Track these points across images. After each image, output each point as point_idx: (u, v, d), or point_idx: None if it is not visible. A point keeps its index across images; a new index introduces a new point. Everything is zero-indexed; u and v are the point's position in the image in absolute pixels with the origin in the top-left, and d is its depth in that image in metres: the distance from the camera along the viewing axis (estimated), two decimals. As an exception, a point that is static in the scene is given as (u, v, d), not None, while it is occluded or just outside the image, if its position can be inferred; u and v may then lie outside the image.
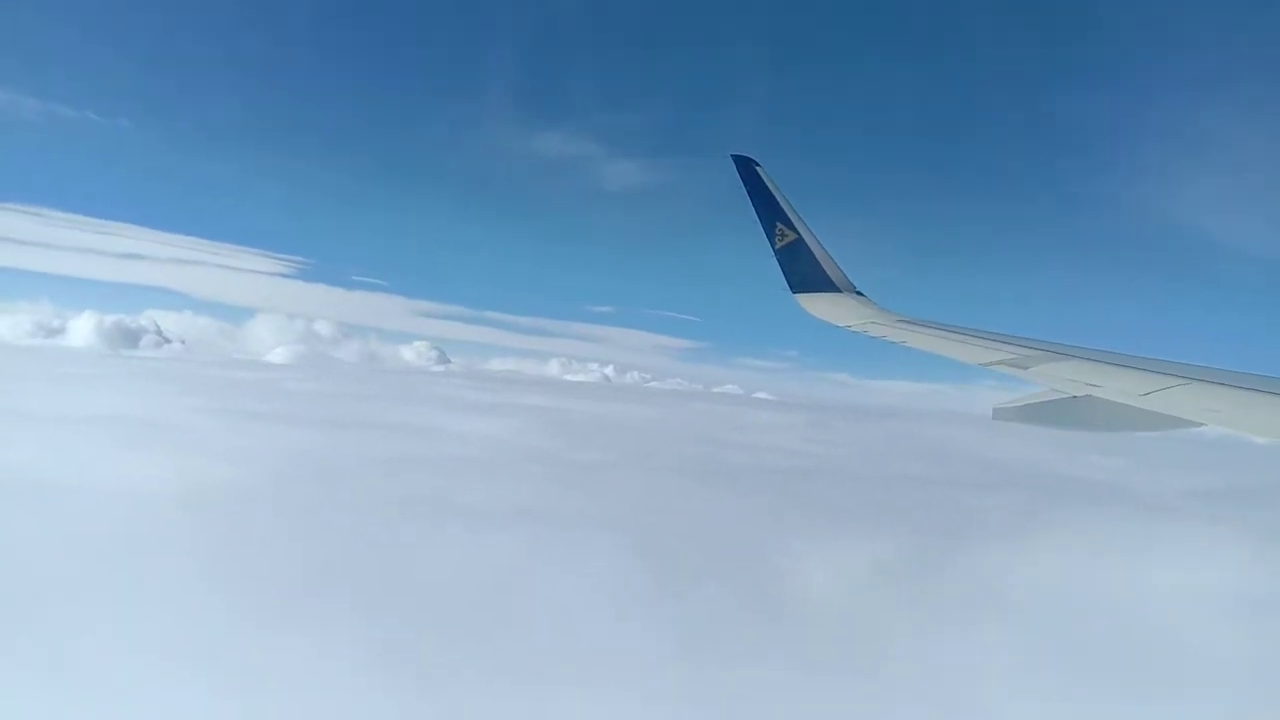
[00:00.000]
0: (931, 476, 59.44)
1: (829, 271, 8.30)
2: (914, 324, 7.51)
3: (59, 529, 25.64)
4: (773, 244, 8.30)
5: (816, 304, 8.18)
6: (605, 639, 21.89)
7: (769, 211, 8.25)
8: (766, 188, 8.27)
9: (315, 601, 22.30)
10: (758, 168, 8.32)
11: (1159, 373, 5.55)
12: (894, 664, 21.91)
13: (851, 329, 7.64)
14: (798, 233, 8.21)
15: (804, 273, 8.28)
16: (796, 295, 8.32)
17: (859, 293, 8.33)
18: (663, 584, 26.71)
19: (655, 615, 23.90)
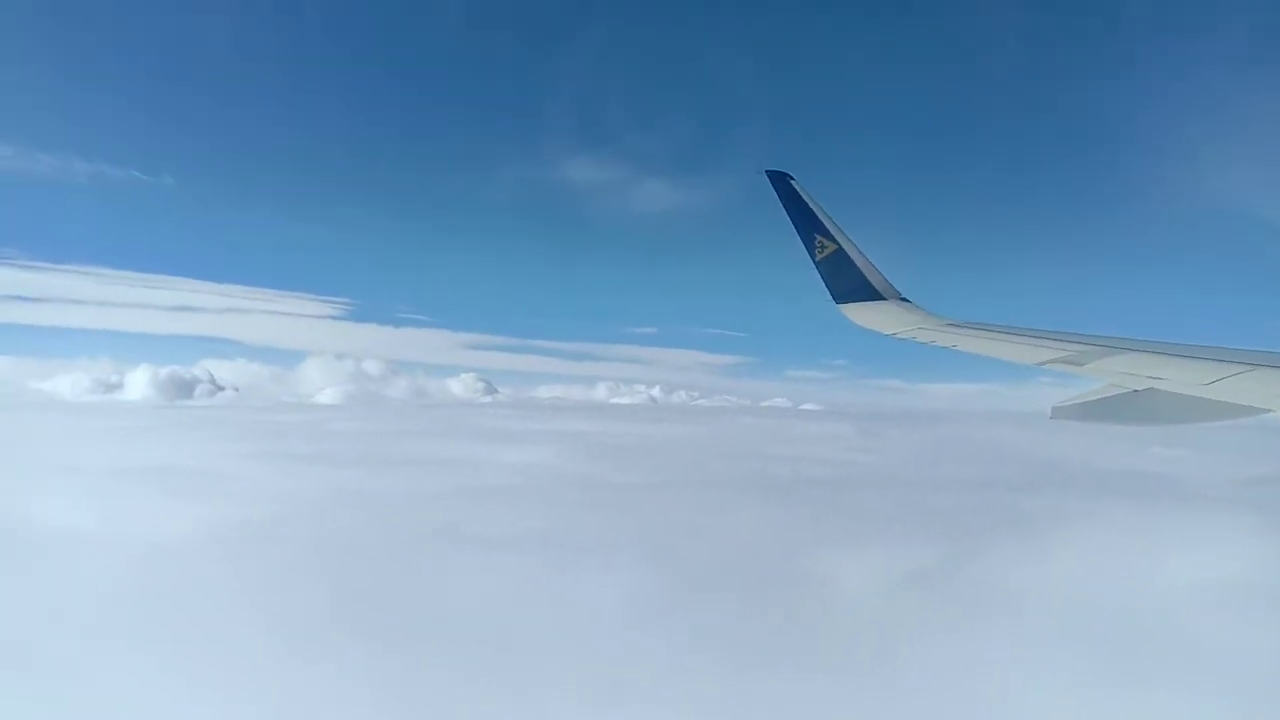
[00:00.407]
0: (977, 478, 58.54)
1: (872, 280, 8.25)
2: (963, 327, 7.44)
3: (93, 577, 26.61)
4: (813, 256, 8.28)
5: (862, 313, 8.13)
6: (628, 655, 22.04)
7: (807, 224, 8.25)
8: (803, 200, 8.27)
9: (350, 633, 22.79)
10: (792, 181, 8.34)
11: (1221, 360, 5.45)
12: (910, 664, 21.91)
13: (899, 336, 7.58)
14: (837, 243, 8.20)
15: (847, 283, 8.25)
16: (840, 306, 8.29)
17: (904, 299, 8.27)
18: (697, 599, 26.85)
19: (685, 628, 24.04)
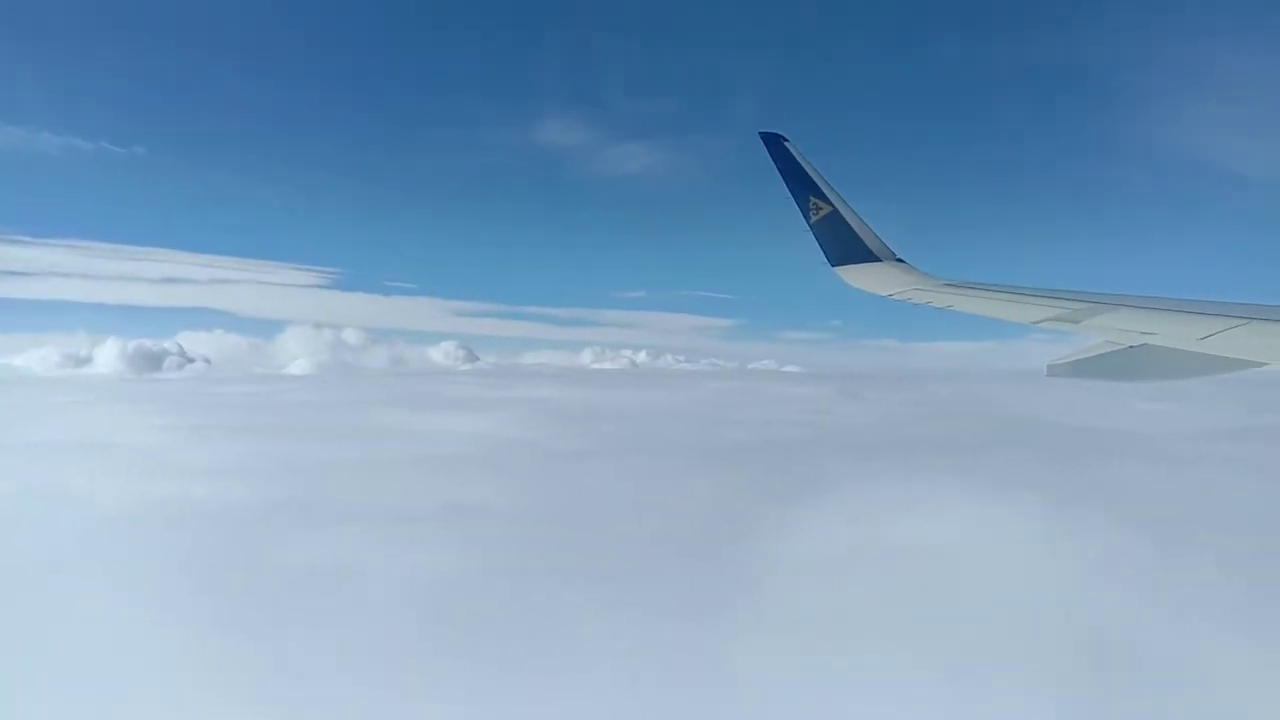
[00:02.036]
0: (935, 438, 59.50)
1: (867, 241, 8.32)
2: (958, 286, 7.55)
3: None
4: (808, 219, 8.32)
5: (857, 275, 8.21)
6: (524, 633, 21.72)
7: (801, 186, 8.27)
8: (797, 163, 8.29)
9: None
10: (787, 143, 8.34)
11: (1216, 315, 5.59)
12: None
13: (894, 297, 7.68)
14: (832, 205, 8.24)
15: (842, 245, 8.31)
16: (836, 268, 8.37)
17: (899, 259, 8.37)
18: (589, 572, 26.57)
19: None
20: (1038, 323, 6.71)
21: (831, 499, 35.84)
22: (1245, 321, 5.40)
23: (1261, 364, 5.21)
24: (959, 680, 19.17)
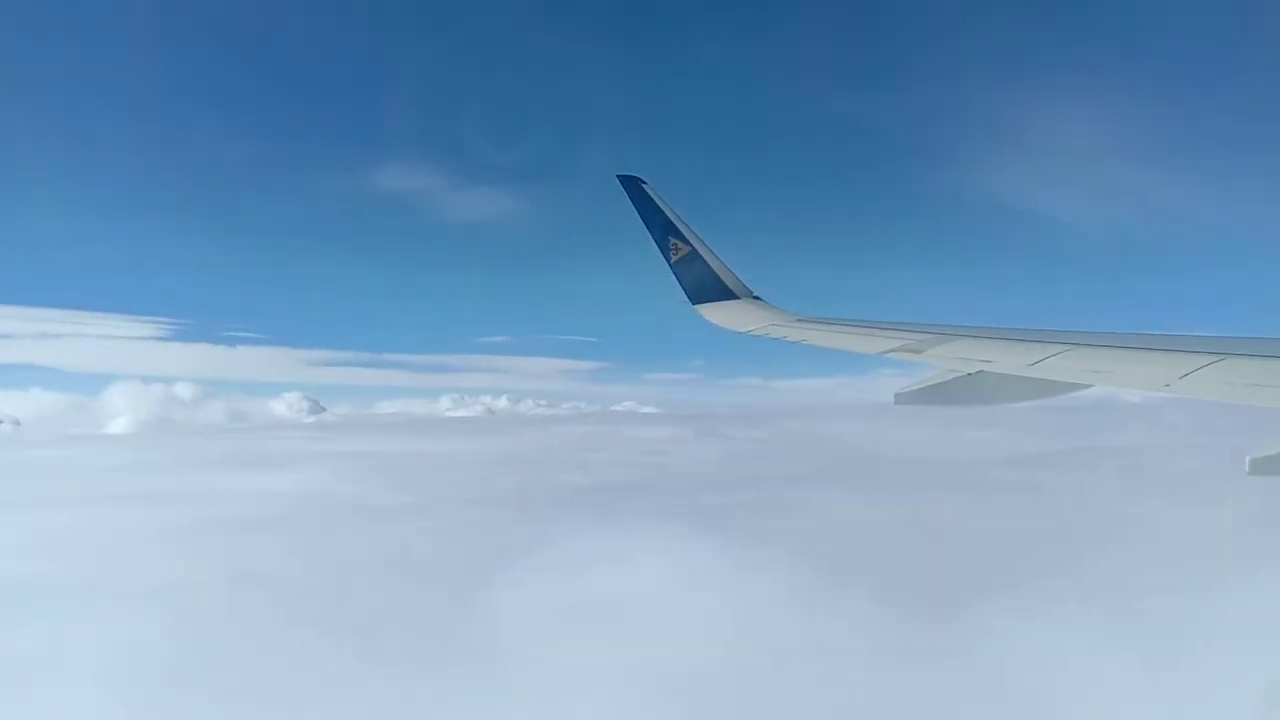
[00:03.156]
0: (766, 474, 62.19)
1: (725, 280, 8.57)
2: (811, 322, 7.89)
3: None
4: (668, 258, 8.49)
5: (717, 313, 8.43)
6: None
7: (661, 227, 8.45)
8: (655, 204, 8.46)
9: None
10: (645, 185, 8.51)
11: (1043, 343, 6.12)
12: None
13: (753, 333, 7.93)
14: (691, 245, 8.45)
15: (701, 283, 8.52)
16: (696, 306, 8.55)
17: (756, 296, 8.66)
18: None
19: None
20: (884, 353, 7.12)
21: (582, 544, 36.95)
22: (1069, 348, 5.94)
23: (1085, 386, 5.73)
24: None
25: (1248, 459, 3.57)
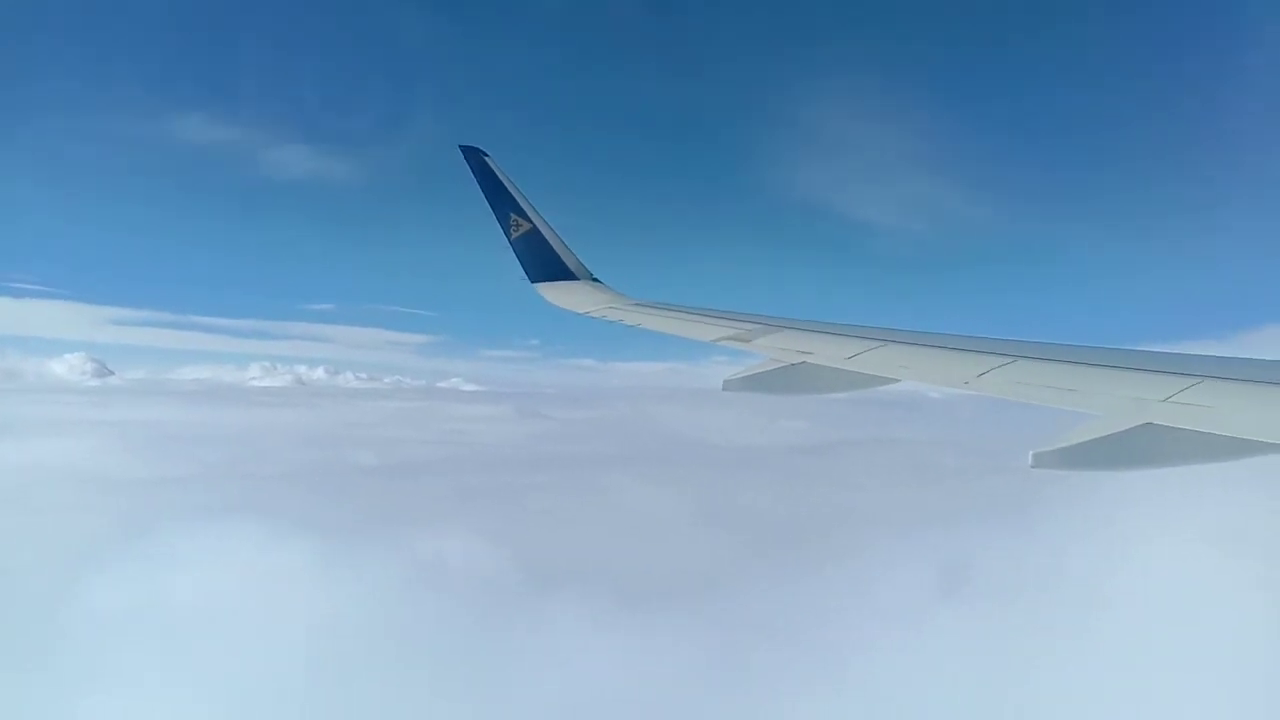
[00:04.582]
0: (561, 456, 63.49)
1: (565, 260, 8.53)
2: (649, 307, 8.03)
3: None
4: (508, 235, 8.35)
5: (555, 292, 8.39)
6: None
7: (502, 202, 8.28)
8: (498, 178, 8.28)
9: None
10: (487, 158, 8.30)
11: (861, 337, 6.56)
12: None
13: (590, 315, 7.97)
14: (532, 223, 8.34)
15: (541, 262, 8.44)
16: (535, 285, 8.47)
17: (595, 279, 8.69)
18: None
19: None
20: (716, 341, 7.38)
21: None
22: (883, 344, 6.39)
23: (895, 380, 6.19)
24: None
25: (1030, 453, 3.97)
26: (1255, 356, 4.53)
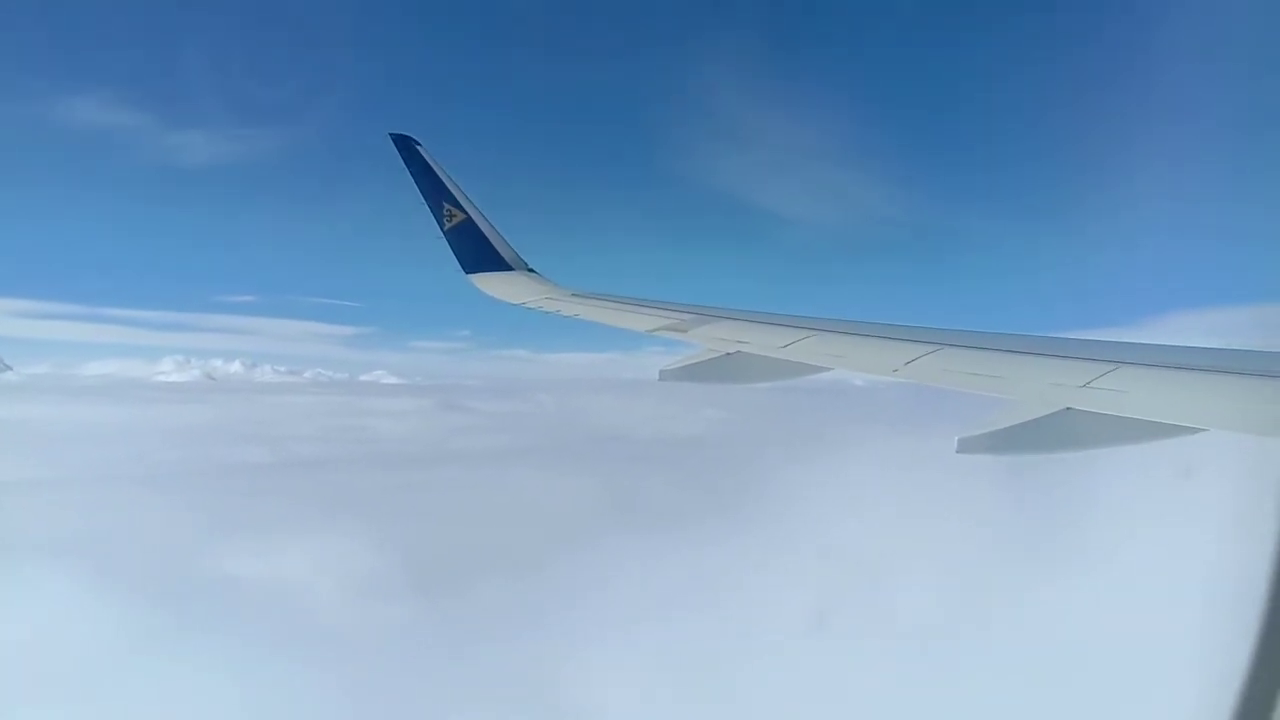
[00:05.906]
0: (470, 451, 62.73)
1: (500, 250, 8.46)
2: (585, 297, 8.03)
3: None
4: (441, 225, 8.23)
5: (490, 283, 8.32)
6: None
7: (434, 191, 8.16)
8: (430, 167, 8.16)
9: None
10: (419, 147, 8.17)
11: (794, 327, 6.69)
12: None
13: (526, 305, 7.94)
14: (466, 213, 8.25)
15: (475, 252, 8.35)
16: (469, 275, 8.38)
17: (531, 269, 8.64)
18: None
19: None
20: (652, 331, 7.44)
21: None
22: (814, 333, 6.54)
23: (826, 369, 6.34)
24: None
25: (956, 438, 4.13)
26: (1165, 343, 4.80)
